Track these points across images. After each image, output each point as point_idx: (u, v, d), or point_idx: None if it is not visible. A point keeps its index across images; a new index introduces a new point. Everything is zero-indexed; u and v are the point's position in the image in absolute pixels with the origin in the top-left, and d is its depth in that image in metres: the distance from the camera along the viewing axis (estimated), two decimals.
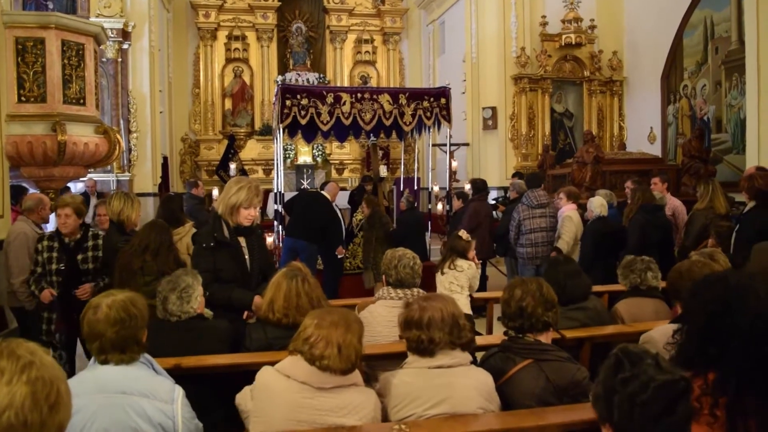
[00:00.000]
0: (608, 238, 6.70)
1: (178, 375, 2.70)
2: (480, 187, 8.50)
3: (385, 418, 2.59)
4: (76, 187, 10.60)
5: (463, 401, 2.58)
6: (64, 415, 1.37)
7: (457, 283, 5.41)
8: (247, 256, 4.14)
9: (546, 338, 2.87)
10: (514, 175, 10.44)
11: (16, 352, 1.34)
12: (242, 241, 4.16)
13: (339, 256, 8.33)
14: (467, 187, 12.50)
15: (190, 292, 3.34)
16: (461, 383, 2.60)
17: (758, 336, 1.90)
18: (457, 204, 8.93)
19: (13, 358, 1.33)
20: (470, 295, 5.46)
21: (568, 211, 7.33)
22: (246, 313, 4.02)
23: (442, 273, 5.43)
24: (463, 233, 5.53)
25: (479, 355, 3.15)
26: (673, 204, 7.63)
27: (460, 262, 5.45)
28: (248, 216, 4.08)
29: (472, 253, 5.52)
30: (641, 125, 13.51)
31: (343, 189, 13.50)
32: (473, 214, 8.13)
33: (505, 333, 2.97)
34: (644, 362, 1.68)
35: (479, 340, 3.76)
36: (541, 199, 7.56)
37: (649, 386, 1.64)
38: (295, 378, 2.35)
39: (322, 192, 8.62)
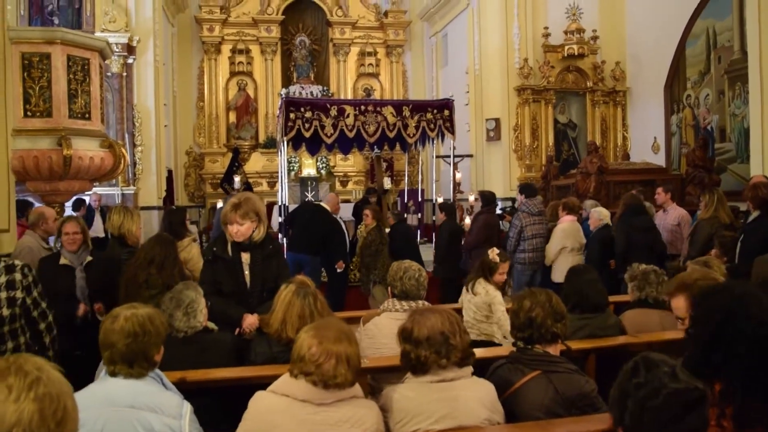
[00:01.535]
0: (610, 246, 6.81)
1: (183, 389, 2.70)
2: (490, 199, 8.51)
3: (389, 430, 2.57)
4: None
5: (468, 414, 2.56)
6: (69, 427, 1.37)
7: (481, 312, 4.98)
8: (247, 272, 4.13)
9: (554, 350, 2.87)
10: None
11: (24, 368, 1.34)
12: (246, 257, 4.16)
13: (338, 270, 8.21)
14: (471, 198, 12.51)
15: (195, 306, 3.35)
16: (464, 396, 2.58)
17: (762, 343, 1.91)
18: (440, 217, 8.89)
19: (21, 374, 1.33)
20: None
21: (564, 222, 7.50)
22: (237, 330, 3.99)
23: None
24: (494, 250, 5.04)
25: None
26: (679, 213, 7.63)
27: (479, 287, 4.97)
28: (233, 232, 4.03)
29: (499, 275, 4.99)
30: (645, 135, 13.50)
31: (347, 201, 13.52)
32: (483, 226, 8.13)
33: (514, 344, 2.97)
34: (660, 369, 1.70)
35: (486, 353, 3.76)
36: (539, 207, 7.78)
37: (660, 392, 1.65)
38: (294, 397, 2.32)
39: (322, 204, 8.59)
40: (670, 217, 7.54)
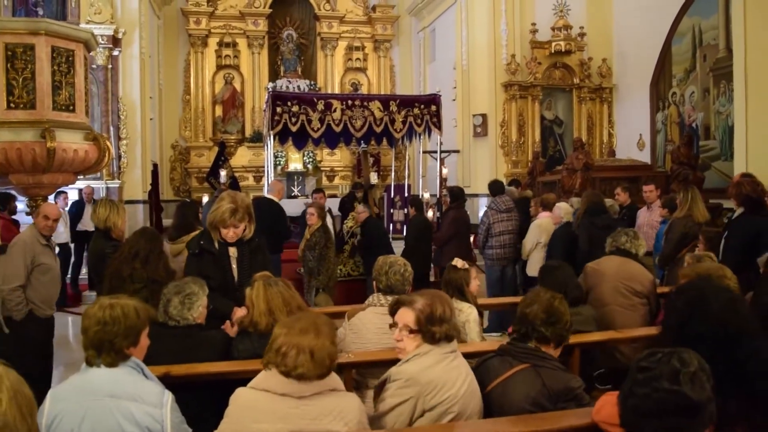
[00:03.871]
0: (572, 242, 6.89)
1: (169, 383, 2.70)
2: (458, 195, 8.57)
3: (413, 409, 2.61)
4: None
5: (473, 383, 2.73)
6: (36, 414, 1.45)
7: (470, 335, 4.18)
8: (234, 266, 4.13)
9: (549, 350, 2.87)
10: (510, 183, 10.48)
11: None
12: (234, 251, 4.15)
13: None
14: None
15: (193, 299, 3.36)
16: (464, 363, 2.77)
17: (723, 342, 1.95)
18: (412, 212, 8.88)
19: None
20: None
21: (541, 218, 7.70)
22: (227, 323, 3.99)
23: None
24: (458, 261, 4.36)
25: None
26: (663, 211, 7.67)
27: (460, 305, 4.15)
28: (227, 235, 4.09)
29: (474, 285, 4.32)
30: (630, 132, 13.58)
31: (334, 196, 13.50)
32: (452, 221, 8.19)
33: (510, 334, 3.00)
34: (669, 364, 1.70)
35: (474, 347, 3.77)
36: (507, 204, 8.04)
37: (651, 384, 1.66)
38: (273, 391, 2.33)
39: (267, 196, 8.26)
40: (654, 214, 7.60)
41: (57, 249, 9.34)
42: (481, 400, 2.75)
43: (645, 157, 12.66)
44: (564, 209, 7.30)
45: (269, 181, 9.74)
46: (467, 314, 4.17)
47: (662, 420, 1.65)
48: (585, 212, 6.91)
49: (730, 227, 5.55)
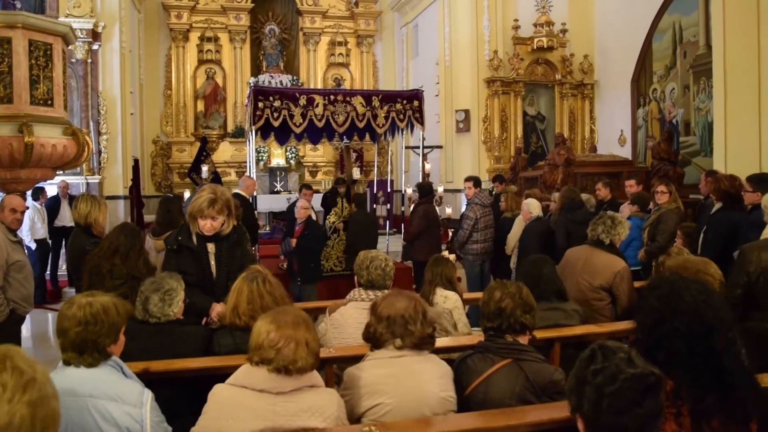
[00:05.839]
0: (547, 237, 6.91)
1: (148, 379, 2.67)
2: (427, 190, 8.59)
3: (351, 410, 2.59)
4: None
5: (427, 388, 2.65)
6: None
7: (461, 320, 4.58)
8: (213, 262, 4.11)
9: (523, 340, 2.91)
10: (495, 179, 10.50)
11: (19, 366, 1.34)
12: (211, 247, 4.13)
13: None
14: (409, 190, 12.53)
15: (173, 295, 3.34)
16: (421, 369, 2.69)
17: (700, 335, 1.96)
18: (352, 209, 8.79)
19: (17, 372, 1.32)
20: None
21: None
22: (204, 319, 3.97)
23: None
24: (450, 255, 4.73)
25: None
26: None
27: (438, 296, 4.54)
28: (205, 226, 4.03)
29: (457, 280, 4.59)
30: (612, 128, 13.68)
31: (317, 191, 13.47)
32: (423, 216, 8.20)
33: (485, 331, 2.99)
34: (616, 356, 1.73)
35: (450, 342, 3.78)
36: (489, 198, 8.10)
37: (618, 378, 1.67)
38: (252, 387, 2.32)
39: (236, 191, 7.99)
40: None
41: (35, 245, 9.34)
42: (443, 405, 2.69)
43: (626, 152, 12.76)
44: (532, 205, 7.25)
45: (250, 176, 9.69)
46: (454, 301, 4.53)
47: (642, 406, 1.66)
48: (561, 208, 6.95)
49: (709, 222, 5.61)
